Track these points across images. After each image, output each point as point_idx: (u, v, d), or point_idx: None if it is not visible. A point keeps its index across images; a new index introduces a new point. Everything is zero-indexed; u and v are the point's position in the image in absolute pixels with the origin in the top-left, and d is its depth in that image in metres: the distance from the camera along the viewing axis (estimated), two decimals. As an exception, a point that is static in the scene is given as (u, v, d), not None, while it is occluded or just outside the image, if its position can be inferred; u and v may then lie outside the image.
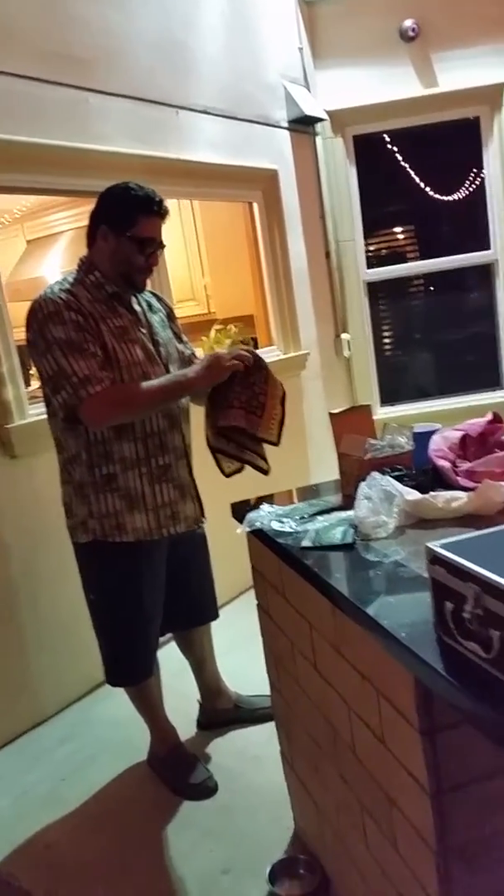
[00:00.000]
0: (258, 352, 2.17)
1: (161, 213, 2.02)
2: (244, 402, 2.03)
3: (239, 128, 3.65)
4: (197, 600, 2.41)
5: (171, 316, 2.28)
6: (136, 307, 2.12)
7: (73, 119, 2.79)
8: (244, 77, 3.71)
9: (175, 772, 2.30)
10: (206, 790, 2.23)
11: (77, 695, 2.86)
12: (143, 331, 2.09)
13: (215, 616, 2.49)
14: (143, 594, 2.16)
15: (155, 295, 2.28)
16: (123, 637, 2.20)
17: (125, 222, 1.98)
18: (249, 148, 3.72)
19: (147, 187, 2.01)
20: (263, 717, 2.37)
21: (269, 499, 1.87)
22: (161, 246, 2.07)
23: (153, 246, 2.03)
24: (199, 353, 2.40)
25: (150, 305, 2.19)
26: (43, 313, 1.93)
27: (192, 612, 2.42)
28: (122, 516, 2.05)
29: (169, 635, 2.49)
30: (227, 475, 2.11)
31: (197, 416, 2.19)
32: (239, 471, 2.12)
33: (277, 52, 3.94)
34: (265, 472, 2.10)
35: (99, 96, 2.89)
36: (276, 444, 2.07)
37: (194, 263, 4.67)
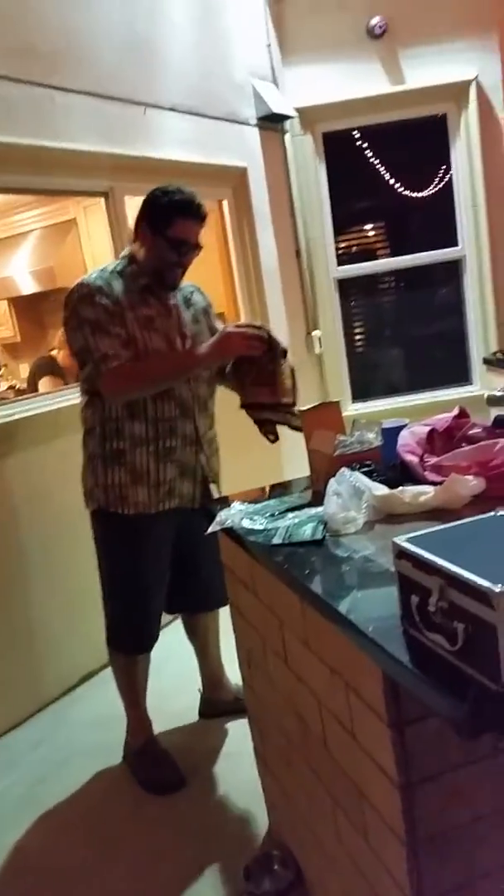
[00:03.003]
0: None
1: (198, 216, 2.11)
2: (257, 377, 2.12)
3: (207, 125, 3.64)
4: (205, 584, 2.41)
5: (207, 311, 2.34)
6: (172, 301, 2.19)
7: (38, 117, 2.76)
8: (212, 74, 3.70)
9: (144, 766, 2.32)
10: (171, 786, 2.24)
11: (51, 697, 2.84)
12: (172, 322, 2.17)
13: (224, 603, 2.48)
14: (143, 566, 2.22)
15: (198, 289, 2.35)
16: (123, 604, 2.26)
17: (161, 222, 2.08)
18: (218, 146, 3.72)
19: (188, 190, 2.10)
20: None
21: (241, 496, 1.88)
22: (197, 248, 2.15)
23: (187, 247, 2.12)
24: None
25: (187, 300, 2.26)
26: (79, 294, 2.07)
27: (200, 596, 2.44)
28: (125, 489, 2.15)
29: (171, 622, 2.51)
30: (273, 441, 2.19)
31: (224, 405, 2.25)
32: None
33: (245, 50, 3.94)
34: (300, 428, 2.13)
35: (64, 94, 2.86)
36: (294, 404, 2.13)
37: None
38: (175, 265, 2.13)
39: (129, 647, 2.32)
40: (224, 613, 2.45)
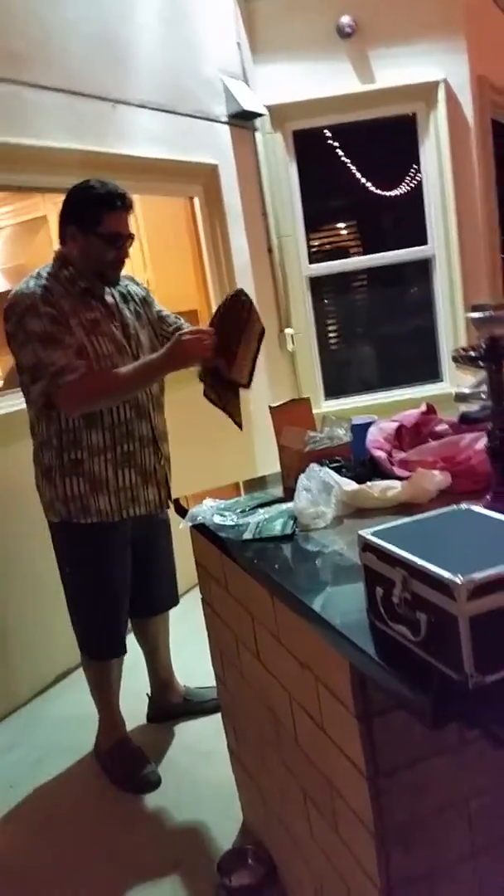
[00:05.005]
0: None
1: (125, 206, 2.06)
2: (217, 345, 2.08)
3: (178, 122, 3.63)
4: (157, 587, 2.43)
5: (146, 300, 2.31)
6: (109, 299, 2.15)
7: (7, 114, 2.73)
8: (182, 71, 3.69)
9: (119, 765, 2.31)
10: (148, 784, 2.24)
11: (24, 699, 2.82)
12: (116, 323, 2.14)
13: (175, 602, 2.52)
14: (110, 573, 2.22)
15: (132, 279, 2.31)
16: (97, 610, 2.25)
17: (91, 221, 2.03)
18: (189, 142, 3.70)
19: (109, 182, 2.05)
20: (212, 708, 2.38)
21: (213, 493, 1.88)
22: (129, 238, 2.11)
23: (121, 240, 2.08)
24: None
25: (124, 296, 2.21)
26: (21, 307, 1.99)
27: (153, 599, 2.44)
28: (86, 499, 2.12)
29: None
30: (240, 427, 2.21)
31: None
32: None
33: (215, 47, 3.93)
34: (240, 425, 2.20)
35: (33, 90, 2.83)
36: (246, 386, 2.14)
37: (136, 258, 4.61)
38: (115, 262, 2.09)
39: (104, 653, 2.31)
40: (194, 611, 2.47)
